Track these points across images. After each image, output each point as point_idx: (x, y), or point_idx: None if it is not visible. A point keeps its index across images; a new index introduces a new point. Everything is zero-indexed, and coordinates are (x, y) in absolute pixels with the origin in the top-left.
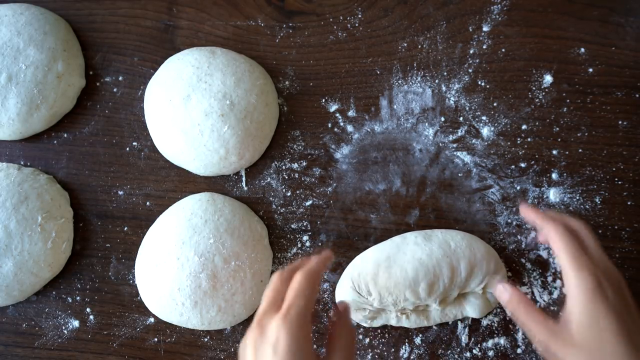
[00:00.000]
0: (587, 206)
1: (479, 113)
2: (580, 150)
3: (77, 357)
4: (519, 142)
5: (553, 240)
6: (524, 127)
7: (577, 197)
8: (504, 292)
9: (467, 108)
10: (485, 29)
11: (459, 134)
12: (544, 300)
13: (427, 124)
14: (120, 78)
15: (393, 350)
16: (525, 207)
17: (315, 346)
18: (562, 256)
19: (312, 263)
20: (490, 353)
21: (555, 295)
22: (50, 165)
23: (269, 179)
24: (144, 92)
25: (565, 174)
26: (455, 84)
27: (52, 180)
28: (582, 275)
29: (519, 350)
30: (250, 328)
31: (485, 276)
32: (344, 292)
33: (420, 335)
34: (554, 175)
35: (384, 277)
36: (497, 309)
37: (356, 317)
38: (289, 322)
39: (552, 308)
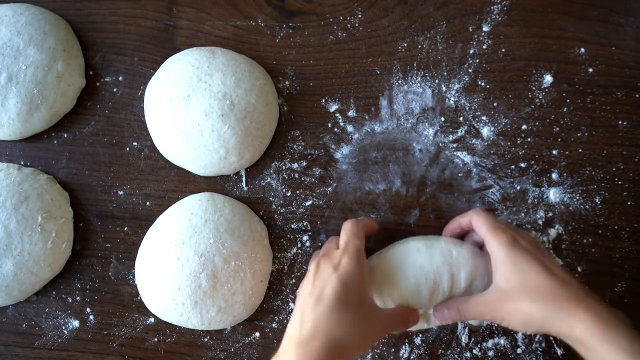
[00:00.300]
0: (587, 206)
1: (479, 113)
2: (580, 150)
3: (77, 357)
4: (519, 142)
5: (474, 219)
6: (524, 127)
7: (577, 197)
8: (441, 315)
9: (467, 108)
10: (485, 29)
11: (459, 134)
12: None
13: (427, 124)
14: (120, 78)
15: (393, 350)
16: (451, 222)
17: None
18: (482, 228)
19: (357, 220)
20: (490, 353)
21: None
22: (50, 165)
23: (269, 179)
24: (144, 92)
25: (565, 174)
26: (455, 84)
27: (52, 180)
28: (499, 235)
29: (519, 350)
30: (314, 261)
31: (484, 289)
32: None
33: (420, 336)
34: (554, 175)
35: (386, 284)
36: None
37: None
38: (349, 252)
39: None
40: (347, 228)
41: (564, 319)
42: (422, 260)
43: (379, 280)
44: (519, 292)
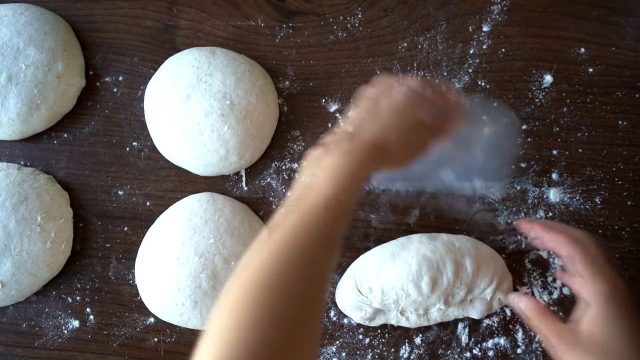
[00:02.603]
0: (587, 206)
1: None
2: (580, 150)
3: (77, 357)
4: (518, 142)
5: (568, 250)
6: (524, 127)
7: (577, 197)
8: (518, 302)
9: (467, 108)
10: (485, 29)
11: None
12: (543, 300)
13: None
14: (120, 78)
15: (393, 350)
16: (528, 223)
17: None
18: (580, 266)
19: None
20: (490, 353)
21: (555, 295)
22: (50, 165)
23: (269, 179)
24: (144, 92)
25: (565, 174)
26: (455, 84)
27: (52, 180)
28: (600, 284)
29: (519, 350)
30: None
31: (494, 277)
32: (345, 291)
33: (420, 335)
34: (554, 175)
35: (387, 271)
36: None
37: (354, 316)
38: (419, 83)
39: (552, 308)
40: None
41: None
42: (424, 250)
43: (378, 267)
44: (597, 351)
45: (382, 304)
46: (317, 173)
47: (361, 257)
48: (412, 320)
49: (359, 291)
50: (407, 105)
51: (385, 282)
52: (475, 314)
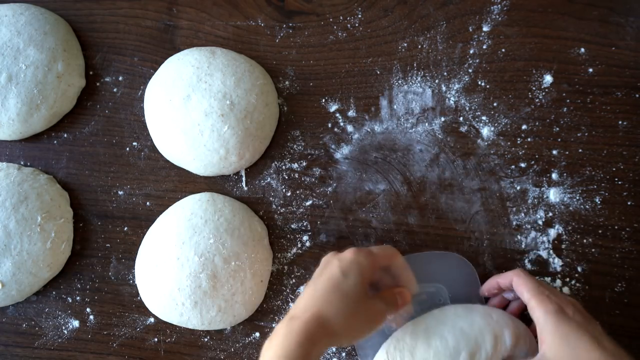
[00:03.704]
0: (587, 206)
1: (479, 113)
2: (580, 150)
3: (77, 357)
4: (519, 142)
5: (516, 282)
6: (524, 127)
7: (577, 197)
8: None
9: (467, 108)
10: (485, 29)
11: (459, 134)
12: None
13: (427, 124)
14: (120, 78)
15: None
16: (489, 280)
17: None
18: (525, 293)
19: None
20: None
21: None
22: (50, 165)
23: (269, 179)
24: (144, 92)
25: (565, 174)
26: (455, 84)
27: (52, 180)
28: (544, 303)
29: None
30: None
31: (528, 351)
32: None
33: None
34: (554, 175)
35: (423, 348)
36: None
37: None
38: (358, 251)
39: None
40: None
41: None
42: (462, 323)
43: (412, 344)
44: None
45: None
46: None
47: (395, 332)
48: None
49: None
50: (345, 277)
51: (416, 357)
52: None
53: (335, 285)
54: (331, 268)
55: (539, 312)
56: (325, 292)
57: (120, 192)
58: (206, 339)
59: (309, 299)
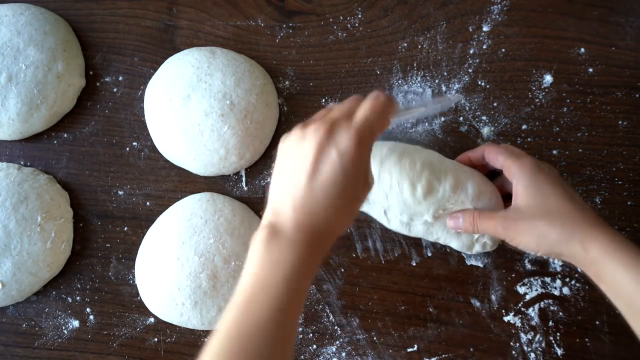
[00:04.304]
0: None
1: (479, 113)
2: (580, 150)
3: (77, 357)
4: (519, 142)
5: (488, 151)
6: (524, 127)
7: None
8: (456, 222)
9: (467, 108)
10: (485, 29)
11: (459, 134)
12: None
13: (427, 124)
14: (120, 78)
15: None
16: (459, 156)
17: (315, 346)
18: (501, 157)
19: (385, 96)
20: None
21: (556, 292)
22: (50, 165)
23: (269, 178)
24: (144, 92)
25: (565, 174)
26: (455, 84)
27: (52, 180)
28: (521, 160)
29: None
30: (316, 123)
31: (495, 208)
32: None
33: None
34: None
35: (393, 161)
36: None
37: None
38: (360, 134)
39: (553, 307)
40: (367, 102)
41: (581, 239)
42: (434, 159)
43: (387, 154)
44: (537, 213)
45: (371, 192)
46: (264, 267)
47: (377, 141)
48: (393, 224)
49: None
50: (348, 178)
51: (385, 171)
52: (457, 245)
53: (340, 192)
54: (333, 170)
55: (514, 168)
56: (331, 201)
57: (120, 192)
58: (206, 339)
59: (311, 206)
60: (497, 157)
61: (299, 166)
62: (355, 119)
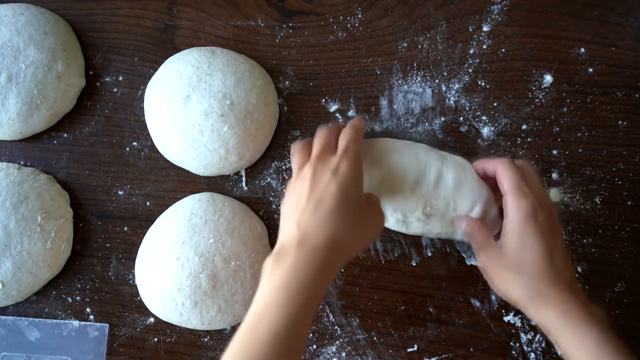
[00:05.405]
0: (587, 206)
1: (479, 113)
2: (580, 150)
3: None
4: (519, 142)
5: (499, 171)
6: (524, 127)
7: (577, 197)
8: (460, 223)
9: (467, 108)
10: (485, 29)
11: (459, 134)
12: None
13: (427, 124)
14: (120, 78)
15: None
16: (476, 162)
17: (315, 346)
18: (506, 184)
19: (355, 122)
20: None
21: None
22: (50, 165)
23: (269, 179)
24: (144, 92)
25: (565, 174)
26: (455, 84)
27: (52, 180)
28: (520, 200)
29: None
30: (308, 163)
31: (477, 201)
32: None
33: None
34: (554, 175)
35: (381, 158)
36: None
37: None
38: (349, 157)
39: None
40: (345, 135)
41: (538, 304)
42: (419, 150)
43: (372, 156)
44: (512, 263)
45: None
46: (269, 291)
47: (375, 139)
48: (390, 222)
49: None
50: (345, 192)
51: (374, 167)
52: (461, 235)
53: (340, 206)
54: (330, 188)
55: (511, 207)
56: (333, 215)
57: (120, 192)
58: (206, 339)
59: (318, 224)
60: (502, 184)
61: (300, 195)
62: (340, 149)
